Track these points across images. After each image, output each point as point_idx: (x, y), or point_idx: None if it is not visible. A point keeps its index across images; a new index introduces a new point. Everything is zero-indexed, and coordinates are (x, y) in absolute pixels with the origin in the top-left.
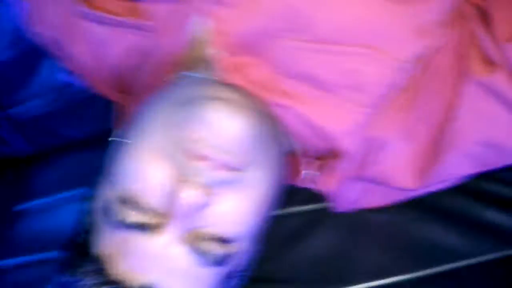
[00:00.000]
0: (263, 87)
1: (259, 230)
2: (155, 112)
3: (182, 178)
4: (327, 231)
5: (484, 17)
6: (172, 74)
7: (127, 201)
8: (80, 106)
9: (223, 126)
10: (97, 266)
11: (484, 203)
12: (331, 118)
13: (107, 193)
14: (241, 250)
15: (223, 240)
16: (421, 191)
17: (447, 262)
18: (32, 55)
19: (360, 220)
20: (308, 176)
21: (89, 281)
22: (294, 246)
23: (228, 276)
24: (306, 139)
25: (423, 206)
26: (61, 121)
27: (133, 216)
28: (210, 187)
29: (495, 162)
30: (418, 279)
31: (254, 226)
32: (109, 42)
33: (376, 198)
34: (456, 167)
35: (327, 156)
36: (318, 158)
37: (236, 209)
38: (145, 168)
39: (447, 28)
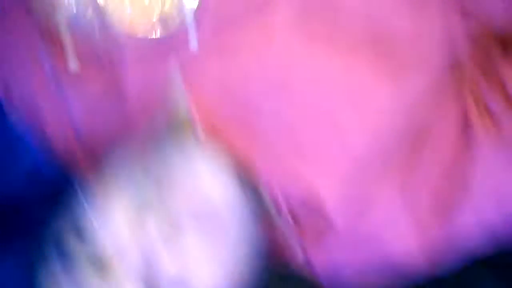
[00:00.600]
0: (242, 148)
1: None
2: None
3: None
4: None
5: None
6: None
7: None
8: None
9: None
10: None
11: None
12: (317, 179)
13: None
14: None
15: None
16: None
17: None
18: None
19: None
20: (300, 250)
21: None
22: None
23: None
24: (292, 201)
25: None
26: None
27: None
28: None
29: (506, 231)
30: None
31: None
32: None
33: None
34: (466, 229)
35: (319, 232)
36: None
37: (202, 263)
38: (110, 208)
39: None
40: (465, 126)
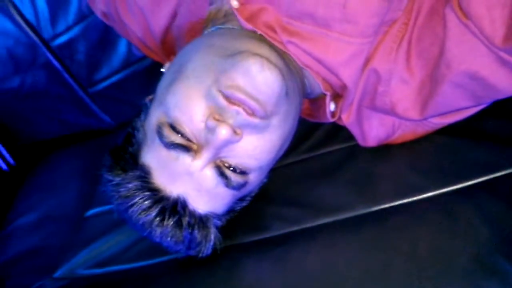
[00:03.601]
0: (275, 29)
1: (271, 166)
2: (200, 58)
3: (219, 118)
4: (358, 163)
5: None
6: (204, 30)
7: (175, 128)
8: (146, 74)
9: (259, 79)
10: (143, 173)
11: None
12: (330, 51)
13: (158, 117)
14: (255, 180)
15: (242, 171)
16: (434, 123)
17: (480, 175)
18: (111, 33)
19: (386, 148)
20: (334, 111)
21: (135, 184)
22: (330, 176)
23: (241, 199)
24: (320, 74)
25: (449, 130)
26: (135, 90)
27: (179, 139)
28: (240, 128)
29: (484, 95)
30: (449, 193)
31: (268, 162)
32: (154, 10)
33: (398, 131)
34: (451, 98)
35: (343, 90)
36: (340, 95)
37: (257, 148)
38: (191, 104)
39: None
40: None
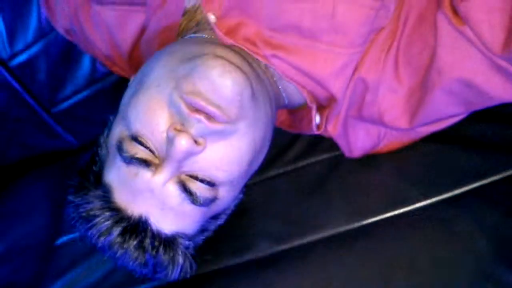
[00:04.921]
0: (256, 43)
1: (245, 180)
2: (160, 66)
3: (179, 128)
4: (344, 174)
5: None
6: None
7: (136, 140)
8: (112, 91)
9: (220, 83)
10: (104, 193)
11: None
12: (318, 63)
13: (119, 131)
14: (227, 195)
15: (210, 184)
16: (421, 131)
17: (471, 182)
18: (74, 50)
19: (373, 157)
20: (319, 123)
21: (95, 204)
22: (317, 189)
23: (214, 217)
24: (306, 87)
25: (435, 138)
26: (101, 108)
27: (140, 153)
28: (202, 137)
29: (476, 102)
30: (441, 201)
31: (240, 175)
32: (121, 26)
33: (383, 141)
34: (442, 106)
35: (329, 102)
36: (324, 106)
37: (224, 157)
38: (153, 114)
39: None
40: (438, 3)
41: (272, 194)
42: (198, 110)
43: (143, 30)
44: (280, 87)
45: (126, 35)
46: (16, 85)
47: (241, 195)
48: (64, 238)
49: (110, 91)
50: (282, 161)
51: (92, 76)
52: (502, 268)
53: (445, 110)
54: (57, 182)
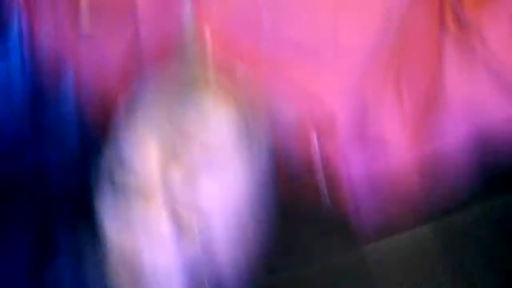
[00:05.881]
0: (255, 62)
1: (237, 222)
2: (155, 97)
3: (171, 160)
4: None
5: None
6: (165, 67)
7: (127, 169)
8: None
9: (216, 120)
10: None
11: None
12: (316, 81)
13: (112, 157)
14: (215, 236)
15: (200, 220)
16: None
17: None
18: None
19: None
20: (318, 147)
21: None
22: None
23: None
24: (305, 107)
25: None
26: None
27: (130, 181)
28: (195, 171)
29: (480, 124)
30: None
31: (231, 214)
32: (107, 50)
33: (380, 166)
34: (449, 125)
35: (329, 123)
36: (322, 130)
37: (217, 192)
38: (144, 146)
39: None
40: (441, 29)
41: None
42: (192, 146)
43: (131, 47)
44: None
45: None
46: None
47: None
48: None
49: None
50: None
51: None
52: None
53: (449, 132)
54: None
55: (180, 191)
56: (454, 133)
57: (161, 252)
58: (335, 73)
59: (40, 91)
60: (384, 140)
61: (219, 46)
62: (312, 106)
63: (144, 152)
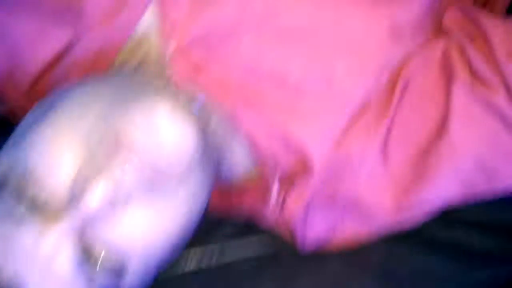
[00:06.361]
0: (223, 89)
1: (162, 261)
2: (87, 91)
3: (95, 172)
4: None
5: (472, 36)
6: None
7: (29, 176)
8: None
9: (164, 133)
10: None
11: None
12: (298, 121)
13: (8, 162)
14: (136, 277)
15: (118, 266)
16: (396, 221)
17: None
18: None
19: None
20: (276, 200)
21: None
22: None
23: None
24: (269, 148)
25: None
26: None
27: (30, 192)
28: (124, 193)
29: (483, 187)
30: None
31: (159, 252)
32: (34, 42)
33: (343, 233)
34: (443, 184)
35: (295, 173)
36: (286, 179)
37: (147, 226)
38: (58, 149)
39: (428, 37)
40: (447, 71)
41: None
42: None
43: (64, 51)
44: (225, 152)
45: (39, 55)
46: None
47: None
48: None
49: None
50: (202, 252)
51: None
52: None
53: (442, 191)
54: None
55: (96, 217)
56: (448, 192)
57: None
58: (320, 117)
59: None
60: (358, 204)
61: (181, 66)
62: (284, 150)
63: (55, 158)
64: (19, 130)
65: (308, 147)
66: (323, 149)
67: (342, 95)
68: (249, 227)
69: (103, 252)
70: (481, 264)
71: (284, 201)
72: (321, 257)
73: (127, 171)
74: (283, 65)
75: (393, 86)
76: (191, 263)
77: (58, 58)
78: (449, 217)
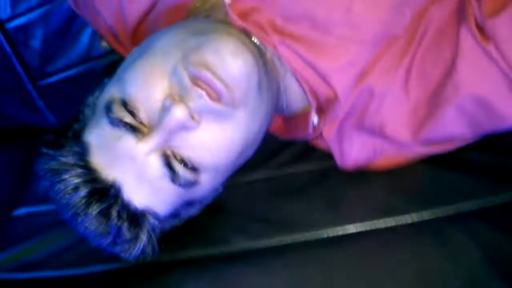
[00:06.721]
0: (266, 29)
1: (229, 172)
2: (170, 35)
3: (177, 98)
4: (331, 184)
5: None
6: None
7: (127, 105)
8: (105, 73)
9: (230, 61)
10: (81, 150)
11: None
12: (326, 56)
13: (112, 92)
14: (207, 183)
15: (194, 167)
16: (420, 151)
17: (467, 202)
18: (75, 23)
19: (363, 173)
20: (316, 125)
21: (68, 159)
22: (301, 195)
23: (189, 203)
24: (309, 81)
25: (431, 160)
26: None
27: (128, 118)
28: (199, 114)
29: (486, 125)
30: (435, 219)
31: (225, 164)
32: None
33: (379, 157)
34: (451, 122)
35: (329, 104)
36: (323, 108)
37: (215, 141)
38: (152, 81)
39: None
40: (459, 12)
41: (252, 195)
42: (201, 84)
43: (153, 5)
44: (282, 87)
45: (135, 8)
46: (7, 48)
47: (220, 189)
48: (22, 210)
49: (103, 73)
50: (268, 166)
51: (88, 53)
52: (497, 282)
53: (452, 129)
54: (27, 157)
55: (177, 132)
56: (458, 130)
57: None
58: (343, 54)
59: None
60: (383, 132)
61: (238, 11)
62: (318, 84)
63: (149, 89)
64: (122, 67)
65: (332, 81)
66: (346, 82)
67: (361, 32)
68: (310, 148)
69: (183, 156)
70: (507, 185)
71: (319, 127)
72: (365, 178)
73: (202, 96)
74: (311, 7)
75: (416, 26)
76: (262, 173)
77: (148, 12)
78: (484, 142)
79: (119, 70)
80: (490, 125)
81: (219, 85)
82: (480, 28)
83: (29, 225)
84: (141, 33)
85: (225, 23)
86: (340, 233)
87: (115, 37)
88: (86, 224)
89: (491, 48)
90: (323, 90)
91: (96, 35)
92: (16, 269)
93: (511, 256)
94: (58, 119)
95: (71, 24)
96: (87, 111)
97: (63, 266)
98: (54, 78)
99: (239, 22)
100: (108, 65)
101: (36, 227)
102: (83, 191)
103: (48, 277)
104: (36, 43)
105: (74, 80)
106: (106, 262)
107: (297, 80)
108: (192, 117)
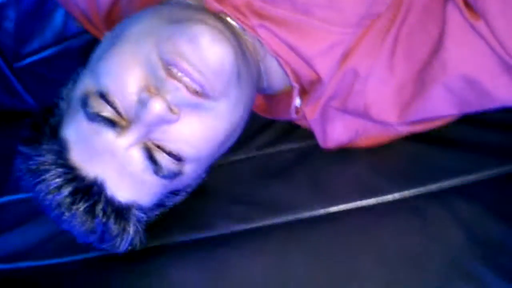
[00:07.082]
0: (244, 12)
1: (212, 160)
2: (143, 22)
3: (154, 91)
4: (314, 163)
5: None
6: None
7: (104, 97)
8: (81, 52)
9: (208, 51)
10: (59, 147)
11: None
12: (307, 39)
13: (87, 85)
14: (191, 172)
15: (177, 158)
16: (404, 130)
17: (449, 179)
18: (48, 2)
19: (347, 150)
20: (297, 107)
21: (47, 158)
22: (284, 175)
23: (174, 192)
24: (290, 64)
25: (413, 137)
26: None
27: (106, 112)
28: (178, 106)
29: (474, 103)
30: (417, 196)
31: (208, 154)
32: None
33: (361, 137)
34: (438, 102)
35: (312, 85)
36: (306, 90)
37: (197, 133)
38: (126, 72)
39: None
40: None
41: (235, 177)
42: (176, 74)
43: None
44: (262, 68)
45: None
46: None
47: (204, 175)
48: (3, 199)
49: (79, 52)
50: (250, 146)
51: (62, 33)
52: (475, 263)
53: (439, 109)
54: (6, 142)
55: (156, 124)
56: (445, 110)
57: None
58: (324, 36)
59: None
60: (368, 113)
61: None
62: (300, 66)
63: (122, 81)
64: (95, 55)
65: (317, 64)
66: (329, 64)
67: (343, 13)
68: (292, 126)
69: (165, 148)
70: (493, 161)
71: (301, 109)
72: (348, 157)
73: (178, 89)
74: None
75: (399, 3)
76: (244, 153)
77: None
78: (467, 117)
79: (92, 59)
80: (479, 105)
81: (197, 76)
82: (468, 5)
83: (13, 213)
84: (115, 15)
85: (201, 7)
86: (323, 212)
87: (88, 19)
88: (72, 223)
89: (480, 24)
90: (306, 73)
91: (69, 15)
92: (1, 260)
93: (493, 234)
94: (37, 101)
95: (43, 4)
96: (62, 105)
97: (49, 255)
98: (30, 59)
99: (215, 5)
100: (84, 45)
101: (21, 215)
102: (65, 191)
103: (33, 267)
104: (9, 24)
105: (50, 61)
106: (90, 249)
107: (278, 62)
108: (171, 110)
